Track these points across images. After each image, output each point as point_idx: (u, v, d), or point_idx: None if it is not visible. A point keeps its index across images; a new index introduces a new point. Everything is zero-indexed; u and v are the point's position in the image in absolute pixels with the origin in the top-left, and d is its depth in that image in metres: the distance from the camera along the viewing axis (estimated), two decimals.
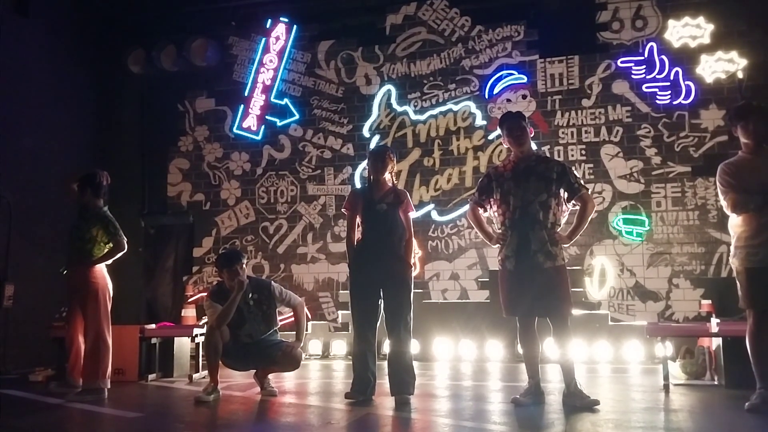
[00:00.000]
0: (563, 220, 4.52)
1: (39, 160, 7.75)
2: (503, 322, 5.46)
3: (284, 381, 5.75)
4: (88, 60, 8.70)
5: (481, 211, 4.67)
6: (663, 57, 7.73)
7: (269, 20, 8.99)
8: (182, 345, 6.54)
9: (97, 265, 5.20)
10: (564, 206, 4.47)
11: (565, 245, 4.47)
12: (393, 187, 4.89)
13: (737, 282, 4.29)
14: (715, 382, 5.44)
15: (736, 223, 4.27)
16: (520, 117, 4.62)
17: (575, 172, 4.57)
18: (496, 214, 4.56)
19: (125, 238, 5.27)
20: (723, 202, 4.33)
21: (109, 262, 5.28)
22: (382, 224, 4.71)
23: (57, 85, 8.26)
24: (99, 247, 5.21)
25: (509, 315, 4.51)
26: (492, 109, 8.22)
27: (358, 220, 4.84)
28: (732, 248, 4.32)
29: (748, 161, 4.27)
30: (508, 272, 4.44)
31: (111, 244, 5.21)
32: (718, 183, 4.35)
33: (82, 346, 5.20)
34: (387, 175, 4.86)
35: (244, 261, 5.12)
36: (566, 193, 4.44)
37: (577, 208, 4.49)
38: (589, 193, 4.57)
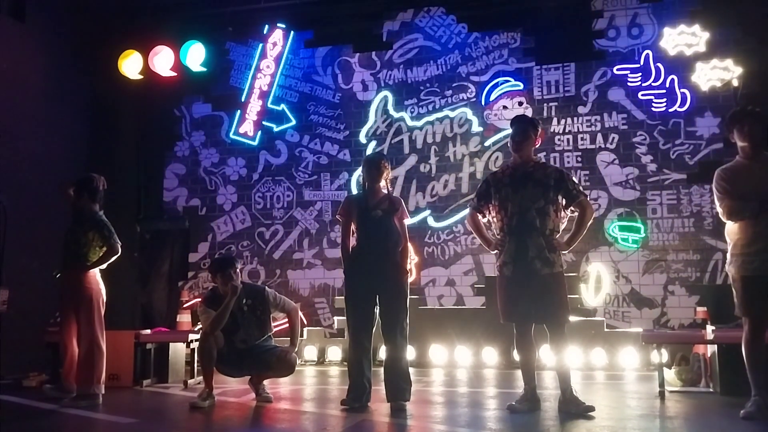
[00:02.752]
0: (562, 227, 4.51)
1: (34, 164, 7.73)
2: (499, 328, 5.46)
3: (279, 387, 5.73)
4: (85, 64, 8.69)
5: (480, 217, 4.66)
6: (659, 65, 7.76)
7: (266, 26, 9.01)
8: (177, 350, 6.51)
9: (91, 271, 5.18)
10: (562, 213, 4.47)
11: (563, 252, 4.47)
12: (388, 194, 4.89)
13: (733, 289, 4.29)
14: (711, 389, 5.44)
15: (732, 230, 4.27)
16: (528, 123, 4.57)
17: (573, 178, 4.56)
18: (494, 220, 4.56)
19: (120, 243, 5.25)
20: (719, 209, 4.32)
21: (104, 266, 5.27)
22: (378, 231, 4.71)
23: (53, 89, 8.25)
24: (94, 251, 5.20)
25: (506, 321, 4.50)
26: (488, 116, 8.24)
27: (352, 226, 4.84)
28: (728, 255, 4.32)
29: (745, 167, 4.27)
30: (506, 278, 4.44)
31: (105, 248, 5.20)
32: (714, 189, 4.35)
33: (76, 352, 5.17)
34: (382, 182, 4.87)
35: (238, 266, 5.11)
36: (564, 200, 4.43)
37: (576, 214, 4.49)
38: (588, 199, 4.56)
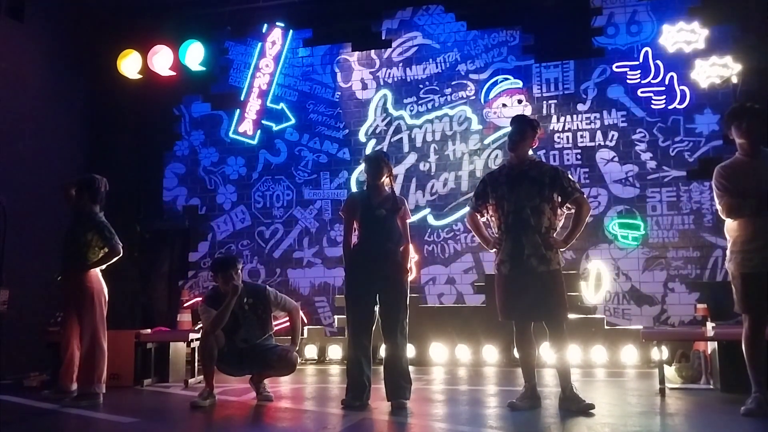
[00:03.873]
0: (560, 224, 4.53)
1: (34, 164, 7.73)
2: (499, 326, 5.46)
3: (280, 386, 5.73)
4: (84, 64, 8.69)
5: (479, 216, 4.68)
6: (658, 62, 7.75)
7: (265, 25, 9.01)
8: (178, 350, 6.51)
9: (92, 270, 5.19)
10: (559, 210, 4.48)
11: (561, 249, 4.48)
12: (392, 193, 4.89)
13: (732, 286, 4.29)
14: (711, 386, 5.45)
15: (731, 227, 4.27)
16: (526, 123, 4.59)
17: (569, 176, 4.57)
18: (492, 219, 4.59)
19: (121, 243, 5.25)
20: (718, 207, 4.33)
21: (104, 266, 5.27)
22: (381, 229, 4.72)
23: (52, 89, 8.25)
24: (94, 251, 5.20)
25: (505, 319, 4.52)
26: (488, 114, 8.24)
27: (354, 224, 4.84)
28: (728, 252, 4.32)
29: (745, 164, 4.27)
30: (504, 277, 4.46)
31: (106, 249, 5.20)
32: (713, 186, 4.35)
33: (77, 351, 5.18)
34: (386, 180, 4.86)
35: (239, 266, 5.11)
36: (560, 197, 4.44)
37: (573, 211, 4.49)
38: (585, 196, 4.57)
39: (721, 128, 7.45)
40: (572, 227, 4.44)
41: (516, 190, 4.43)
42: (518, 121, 4.63)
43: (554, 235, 4.45)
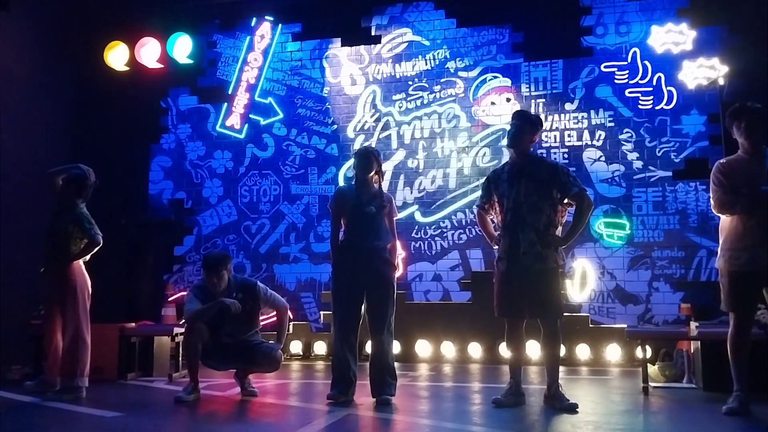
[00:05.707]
0: (562, 221, 4.50)
1: (18, 156, 7.64)
2: (485, 323, 5.49)
3: (265, 381, 5.72)
4: (70, 55, 8.61)
5: (485, 214, 4.70)
6: (646, 62, 7.80)
7: (254, 18, 8.97)
8: (162, 344, 6.47)
9: (75, 263, 5.14)
10: (559, 207, 4.47)
11: (561, 246, 4.46)
12: (380, 189, 4.87)
13: (720, 284, 4.32)
14: (694, 385, 5.49)
15: (724, 225, 4.31)
16: (523, 119, 4.57)
17: (569, 171, 4.51)
18: (496, 216, 4.60)
19: (101, 234, 5.20)
20: (711, 201, 4.37)
21: (87, 258, 5.22)
22: (369, 227, 4.70)
23: (37, 80, 8.16)
24: (75, 243, 5.15)
25: (500, 315, 4.51)
26: (476, 112, 8.25)
27: (342, 220, 4.83)
28: (718, 250, 4.35)
29: (744, 162, 4.30)
30: (501, 273, 4.47)
31: (86, 240, 5.16)
32: (711, 180, 4.38)
33: (61, 344, 5.13)
34: (375, 176, 4.85)
35: (230, 264, 5.06)
36: (559, 194, 4.43)
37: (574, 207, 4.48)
38: (585, 191, 4.48)
39: (707, 129, 7.53)
40: (573, 223, 4.42)
41: (515, 187, 4.42)
42: (517, 116, 4.61)
43: (556, 232, 4.44)
